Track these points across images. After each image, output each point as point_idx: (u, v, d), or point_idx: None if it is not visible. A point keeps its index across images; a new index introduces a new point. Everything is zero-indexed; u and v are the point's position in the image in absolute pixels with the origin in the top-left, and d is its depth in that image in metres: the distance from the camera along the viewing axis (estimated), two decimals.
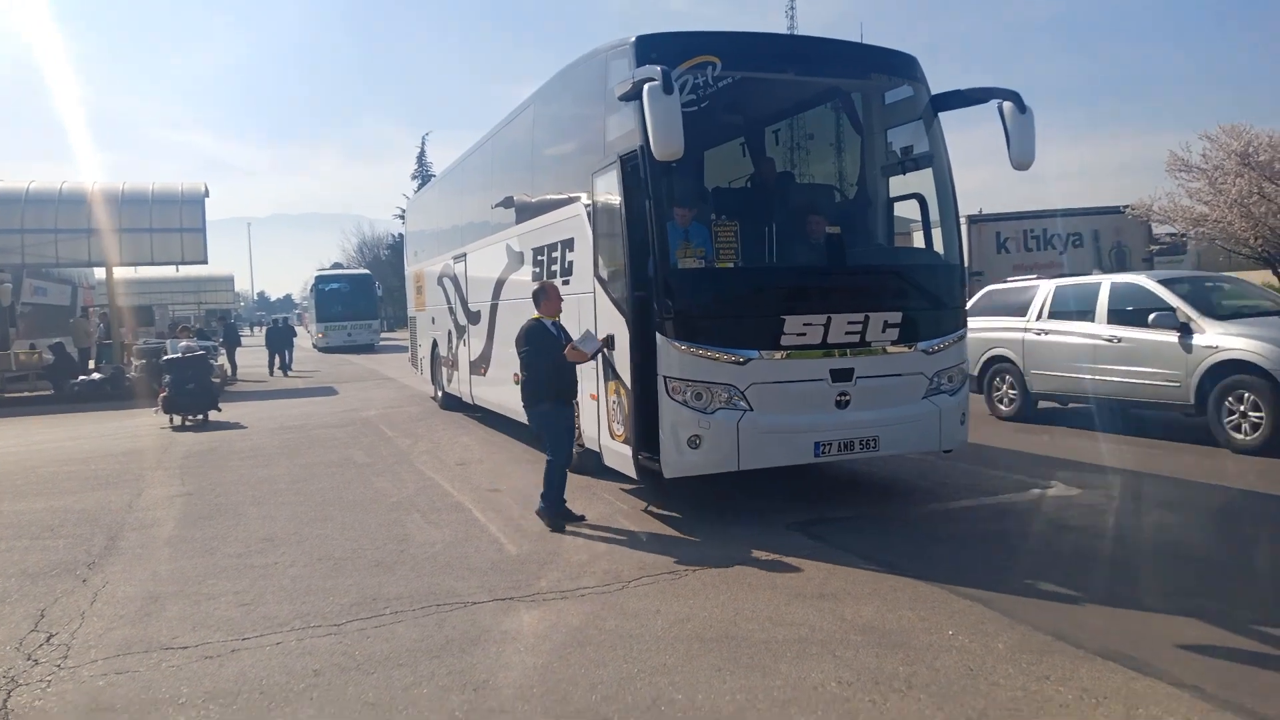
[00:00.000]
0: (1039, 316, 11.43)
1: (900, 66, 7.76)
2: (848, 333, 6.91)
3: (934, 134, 7.67)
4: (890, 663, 4.26)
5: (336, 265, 63.64)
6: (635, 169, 6.93)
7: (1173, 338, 9.56)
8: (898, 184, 8.23)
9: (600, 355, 7.32)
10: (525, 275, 9.79)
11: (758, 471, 6.98)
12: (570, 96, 8.85)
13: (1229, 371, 9.07)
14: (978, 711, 3.74)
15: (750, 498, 7.70)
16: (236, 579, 5.94)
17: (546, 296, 7.14)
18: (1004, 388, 12.03)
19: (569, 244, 8.40)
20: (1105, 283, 10.78)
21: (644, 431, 7.11)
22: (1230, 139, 18.41)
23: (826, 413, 6.91)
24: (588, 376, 7.65)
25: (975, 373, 11.90)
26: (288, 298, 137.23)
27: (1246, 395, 8.93)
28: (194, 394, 14.37)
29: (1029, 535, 6.56)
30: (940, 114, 7.67)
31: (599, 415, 7.76)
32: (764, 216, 7.86)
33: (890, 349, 7.10)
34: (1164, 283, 10.08)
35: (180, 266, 23.55)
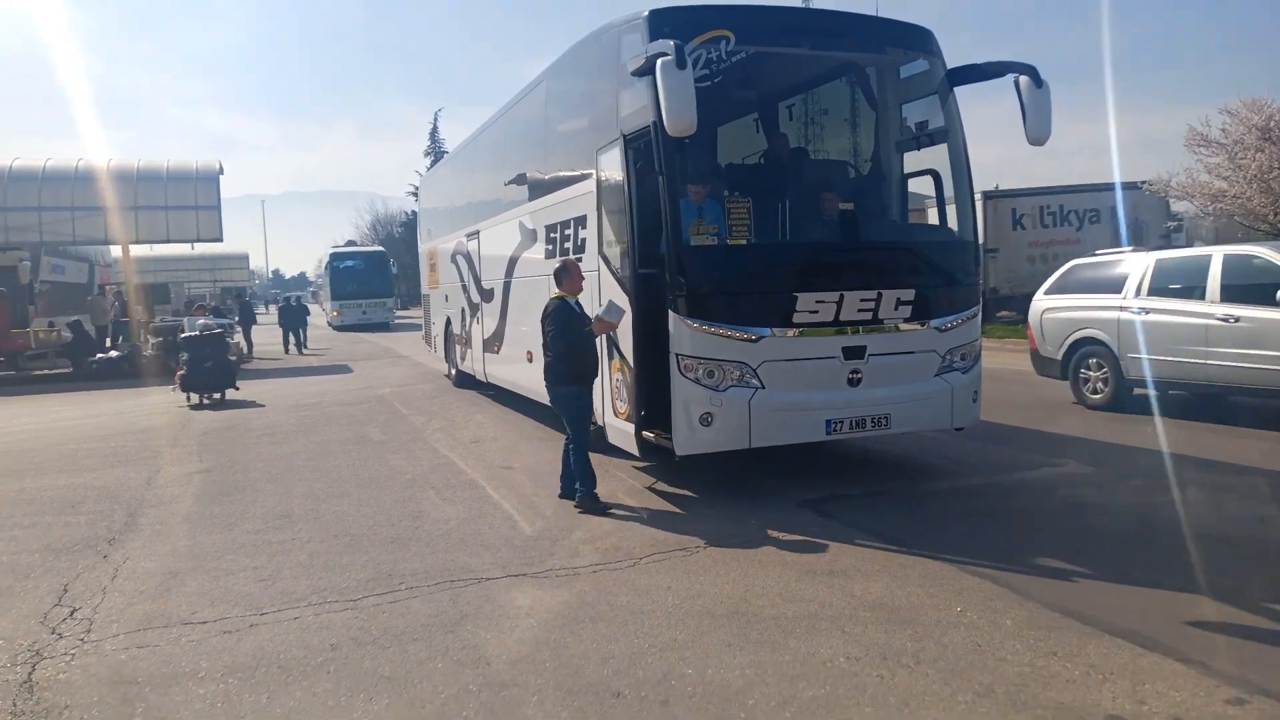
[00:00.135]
0: (1137, 293, 10.21)
1: (916, 40, 7.68)
2: (860, 310, 6.90)
3: (949, 109, 7.60)
4: (899, 638, 4.29)
5: (350, 243, 63.77)
6: (642, 146, 6.92)
7: None
8: (912, 160, 8.18)
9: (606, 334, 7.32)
10: (538, 253, 9.80)
11: (769, 449, 7.01)
12: (583, 72, 8.81)
13: None
14: (985, 687, 3.78)
15: (761, 475, 7.73)
16: (254, 555, 6.03)
17: (569, 274, 7.00)
18: (1094, 373, 10.79)
19: (581, 221, 8.40)
20: (1216, 255, 9.64)
21: (649, 409, 7.16)
22: (1251, 113, 18.14)
23: (838, 390, 6.92)
24: None
25: (1059, 357, 11.11)
26: (302, 275, 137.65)
27: None
28: (212, 372, 14.46)
29: (1040, 513, 6.57)
30: (956, 89, 7.60)
31: (603, 392, 7.80)
32: (777, 193, 7.83)
33: (903, 326, 7.08)
34: None
35: (195, 244, 23.67)
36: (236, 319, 26.33)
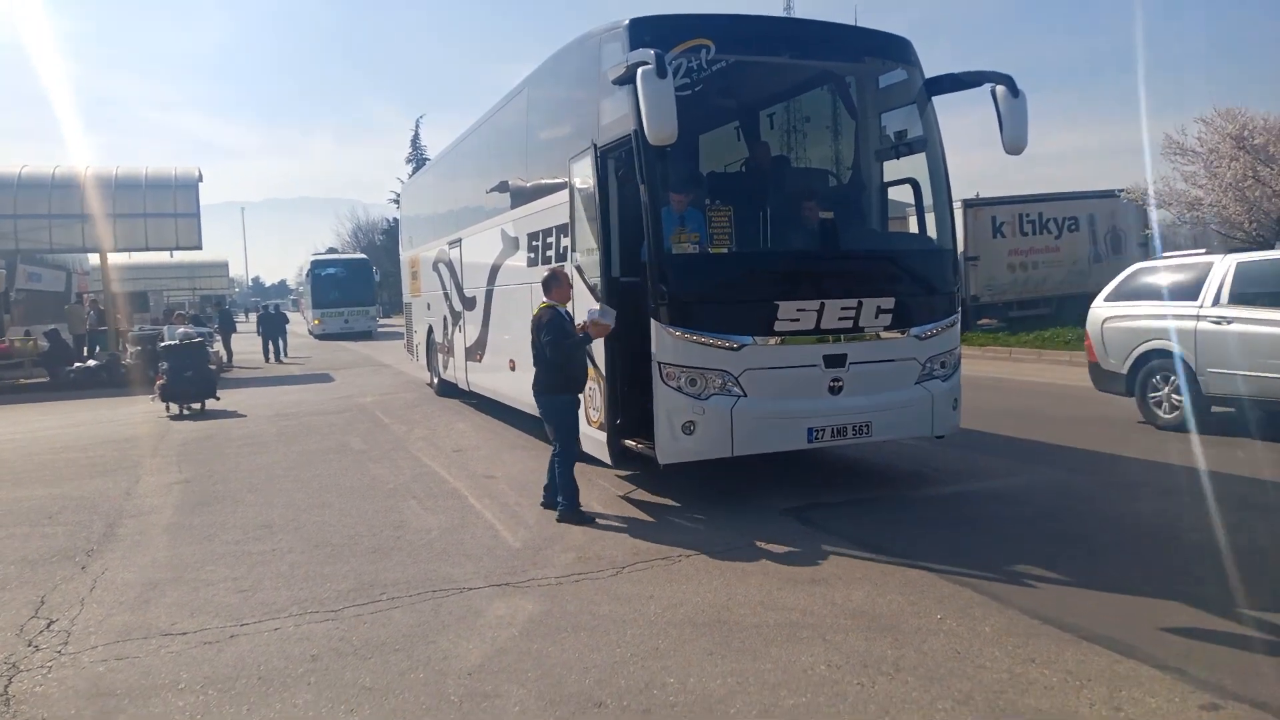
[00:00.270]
0: (1216, 301, 9.18)
1: (894, 50, 7.76)
2: (841, 318, 6.94)
3: (928, 118, 7.67)
4: (879, 646, 4.32)
5: (331, 250, 63.42)
6: (622, 154, 6.95)
7: None
8: (891, 168, 8.24)
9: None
10: (521, 261, 9.80)
11: (752, 457, 7.03)
12: (564, 80, 8.84)
13: None
14: (963, 693, 3.81)
15: (744, 483, 7.75)
16: (234, 565, 5.99)
17: (558, 283, 6.98)
18: (1165, 389, 9.66)
19: (563, 229, 8.41)
20: None
21: (624, 417, 7.21)
22: (1225, 122, 18.35)
23: (820, 398, 6.95)
24: None
25: (1124, 370, 10.07)
26: (282, 283, 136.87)
27: None
28: (192, 381, 14.31)
29: (1019, 520, 6.61)
30: (935, 98, 7.68)
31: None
32: (757, 201, 7.88)
33: (883, 334, 7.13)
34: None
35: (174, 252, 23.48)
36: (216, 327, 26.14)
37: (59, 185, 20.86)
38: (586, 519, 6.75)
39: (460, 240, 12.73)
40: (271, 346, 26.70)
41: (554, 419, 6.96)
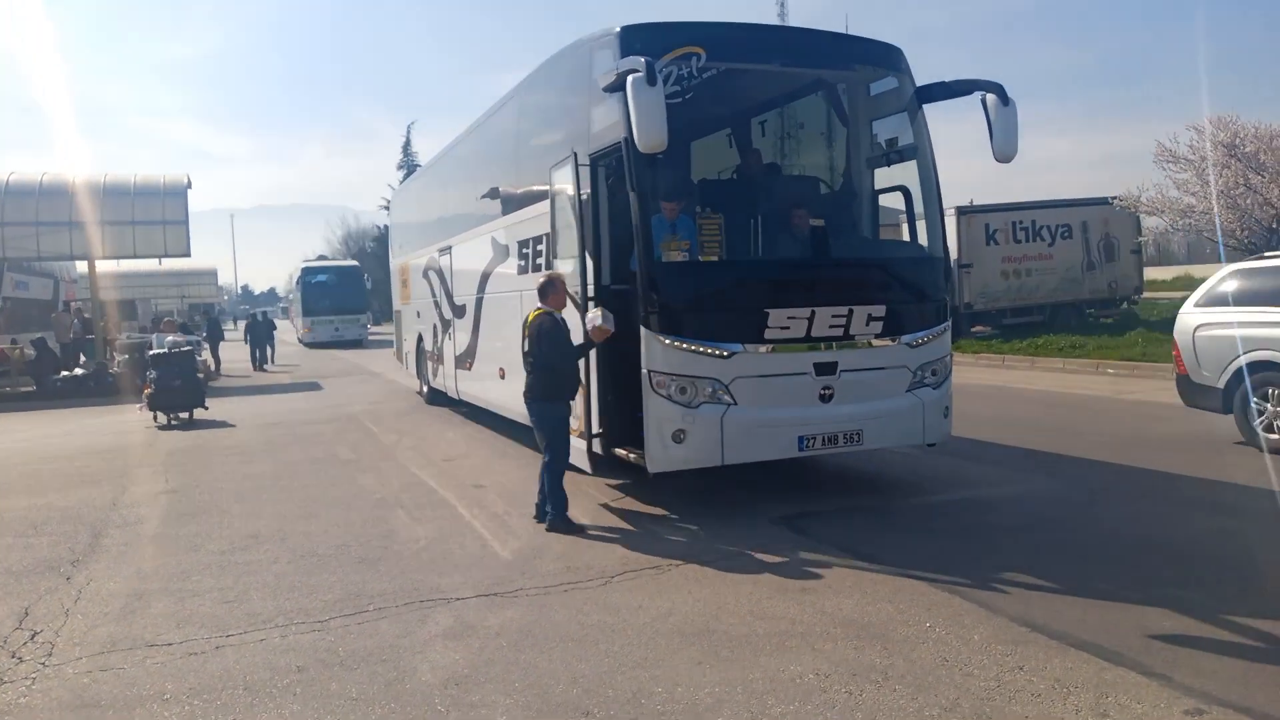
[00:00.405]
0: None
1: (885, 58, 7.79)
2: (831, 326, 6.94)
3: (918, 126, 7.69)
4: (868, 654, 4.31)
5: (321, 257, 63.21)
6: (612, 162, 6.96)
7: None
8: (882, 176, 8.27)
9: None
10: (511, 268, 9.78)
11: (743, 465, 7.02)
12: (555, 87, 8.84)
13: None
14: (951, 701, 3.80)
15: (735, 492, 7.74)
16: (221, 576, 5.94)
17: (555, 289, 6.92)
18: (1272, 405, 8.65)
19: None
20: None
21: (607, 426, 7.24)
22: (1217, 130, 18.51)
23: (810, 406, 6.94)
24: None
25: (1220, 385, 8.98)
26: (272, 291, 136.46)
27: None
28: (180, 390, 14.17)
29: (1010, 528, 6.62)
30: (926, 106, 7.70)
31: None
32: (748, 209, 7.90)
33: (874, 342, 7.13)
34: None
35: (163, 260, 23.38)
36: (204, 335, 26.06)
37: (47, 192, 20.76)
38: (576, 528, 6.72)
39: (450, 248, 12.71)
40: (259, 354, 26.64)
41: (545, 426, 6.91)
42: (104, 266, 27.83)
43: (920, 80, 7.73)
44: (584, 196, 7.36)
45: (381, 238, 64.56)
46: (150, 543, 6.92)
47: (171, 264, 39.59)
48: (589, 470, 7.40)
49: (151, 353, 15.20)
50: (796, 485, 7.98)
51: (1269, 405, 8.66)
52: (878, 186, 8.29)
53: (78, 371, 19.78)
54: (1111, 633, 4.49)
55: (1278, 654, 4.26)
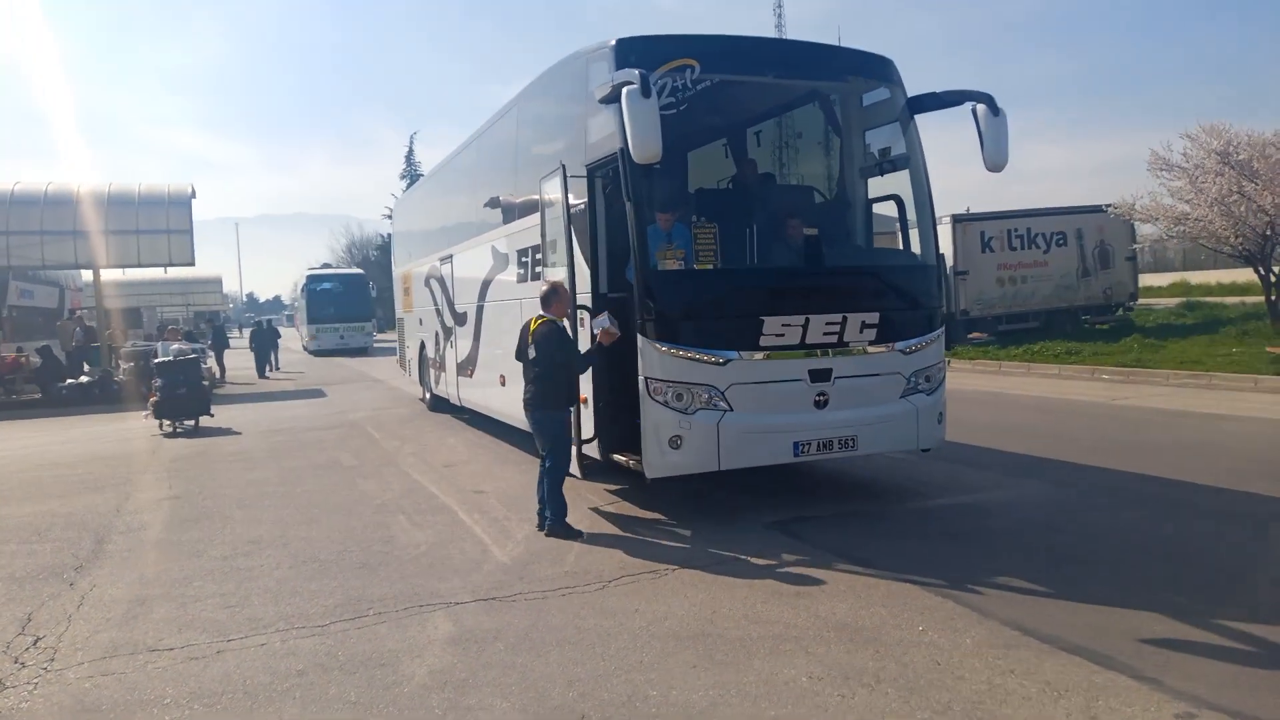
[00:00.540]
0: None
1: (877, 69, 7.87)
2: (826, 333, 7.01)
3: (910, 135, 7.77)
4: (861, 658, 4.36)
5: (326, 265, 63.31)
6: (609, 173, 7.03)
7: None
8: (876, 185, 8.33)
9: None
10: (511, 276, 9.86)
11: (739, 471, 7.08)
12: (552, 98, 8.93)
13: None
14: (942, 704, 3.85)
15: (731, 497, 7.80)
16: (222, 581, 6.01)
17: (558, 297, 6.97)
18: None
19: (551, 245, 8.47)
20: None
21: (611, 433, 7.32)
22: (1210, 138, 18.55)
23: (805, 413, 7.01)
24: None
25: None
26: (277, 299, 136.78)
27: None
28: (186, 398, 14.27)
29: (1004, 533, 6.67)
30: (920, 115, 7.78)
31: None
32: (743, 218, 7.95)
33: (868, 349, 7.20)
34: None
35: (168, 268, 23.50)
36: (209, 343, 26.17)
37: (52, 202, 20.91)
38: (574, 534, 6.77)
39: (451, 256, 12.80)
40: (264, 362, 26.78)
41: (546, 434, 6.95)
42: (109, 275, 27.98)
43: (913, 90, 7.82)
44: (576, 207, 7.45)
45: (385, 246, 64.74)
46: (153, 548, 6.98)
47: (177, 272, 39.63)
48: (579, 475, 7.47)
49: (157, 360, 15.31)
50: (792, 490, 8.04)
51: None
52: (871, 195, 8.36)
53: (83, 379, 19.88)
54: (1103, 636, 4.53)
55: (1268, 658, 4.31)
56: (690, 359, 6.73)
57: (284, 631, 5.01)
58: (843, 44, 8.63)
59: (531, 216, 9.07)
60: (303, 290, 43.93)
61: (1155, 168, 19.46)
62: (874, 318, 7.18)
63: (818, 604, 5.15)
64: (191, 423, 14.38)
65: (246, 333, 38.77)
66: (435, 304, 13.97)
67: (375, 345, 41.25)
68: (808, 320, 6.93)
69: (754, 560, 6.04)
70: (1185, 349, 17.18)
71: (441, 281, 13.47)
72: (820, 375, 7.00)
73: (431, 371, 14.84)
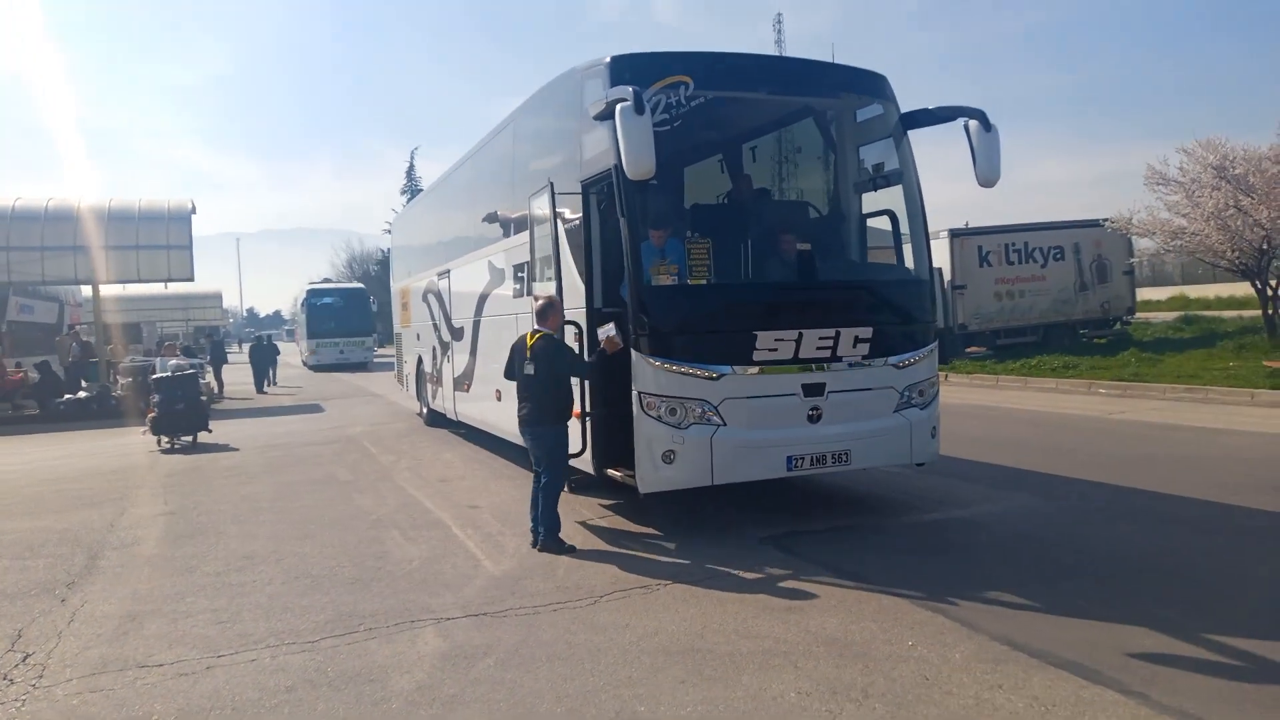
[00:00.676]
0: None
1: (870, 85, 7.92)
2: (819, 348, 7.03)
3: (903, 151, 7.81)
4: (849, 673, 4.36)
5: (326, 280, 63.37)
6: (603, 188, 7.08)
7: None
8: (869, 200, 8.37)
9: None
10: (507, 291, 9.89)
11: (732, 485, 7.08)
12: (548, 114, 8.99)
13: None
14: (929, 719, 3.84)
15: (724, 511, 7.80)
16: (214, 597, 6.00)
17: (554, 311, 7.04)
18: None
19: (547, 261, 8.50)
20: None
21: (604, 447, 7.32)
22: (1206, 152, 18.63)
23: (799, 427, 7.02)
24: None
25: None
26: (277, 314, 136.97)
27: None
28: (184, 414, 14.24)
29: (996, 547, 6.66)
30: (913, 131, 7.82)
31: None
32: (736, 233, 7.99)
33: (862, 363, 7.21)
34: None
35: (168, 283, 23.54)
36: (208, 359, 26.20)
37: (52, 217, 20.98)
38: (567, 548, 6.77)
39: (449, 271, 12.84)
40: (262, 377, 26.82)
41: (544, 449, 6.96)
42: (109, 290, 28.03)
43: (907, 106, 7.87)
44: (571, 223, 7.49)
45: (386, 261, 64.84)
46: (146, 564, 6.98)
47: (177, 287, 39.65)
48: (569, 489, 7.47)
49: (155, 376, 15.31)
50: (785, 505, 8.04)
51: None
52: (864, 210, 8.39)
53: (81, 395, 19.89)
54: (1090, 651, 4.53)
55: (1255, 672, 4.31)
56: (683, 374, 6.75)
57: (274, 647, 5.01)
58: (836, 60, 8.68)
59: (527, 231, 9.11)
60: (303, 305, 43.88)
61: (1152, 182, 19.54)
62: (867, 332, 7.19)
63: (808, 619, 5.15)
64: (189, 438, 14.36)
65: (246, 348, 38.77)
66: (433, 319, 14.00)
67: (375, 360, 41.15)
68: (801, 335, 6.95)
69: (746, 575, 6.04)
70: (1182, 363, 17.20)
71: (439, 296, 13.51)
72: (814, 390, 7.02)
73: (429, 386, 14.86)
